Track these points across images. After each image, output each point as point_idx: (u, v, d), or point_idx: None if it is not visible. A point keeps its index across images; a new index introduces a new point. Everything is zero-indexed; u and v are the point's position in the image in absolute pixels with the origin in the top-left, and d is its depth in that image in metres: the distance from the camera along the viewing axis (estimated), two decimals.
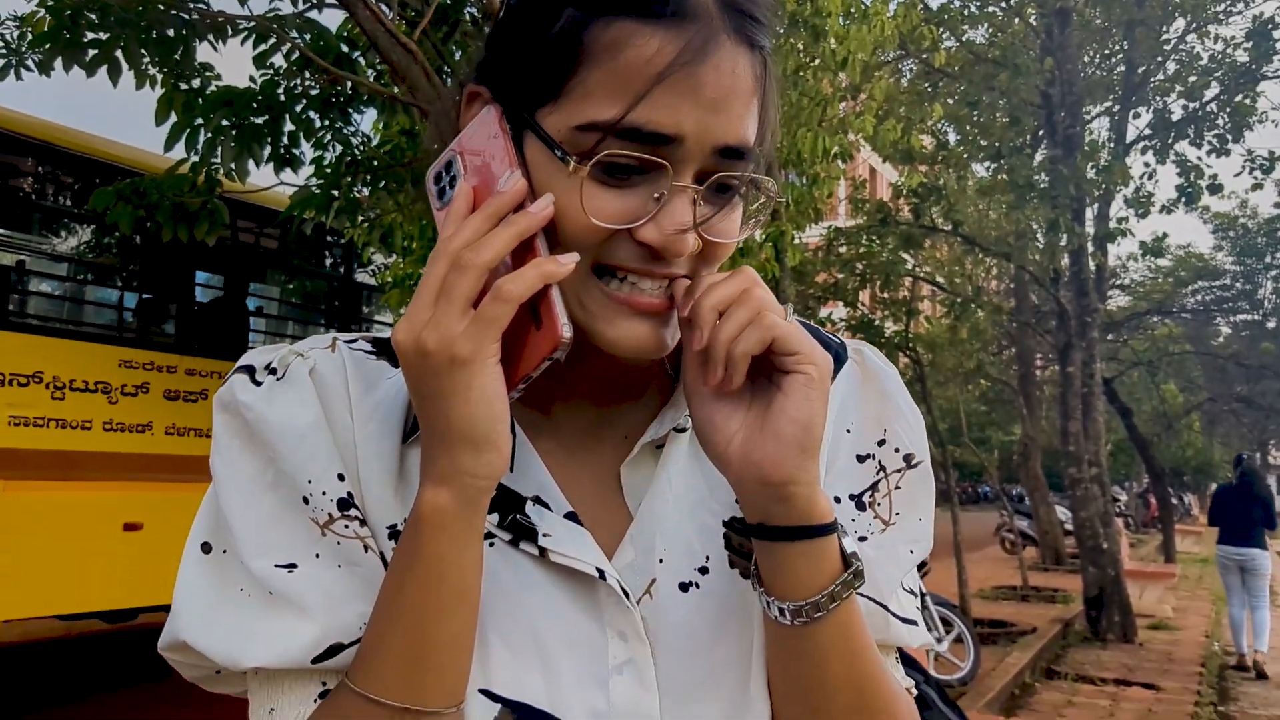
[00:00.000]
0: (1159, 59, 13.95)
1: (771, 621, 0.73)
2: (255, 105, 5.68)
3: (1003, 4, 12.72)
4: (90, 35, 5.35)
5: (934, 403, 11.98)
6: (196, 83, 5.73)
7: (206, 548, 0.75)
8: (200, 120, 5.56)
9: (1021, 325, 15.86)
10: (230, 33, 5.65)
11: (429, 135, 4.58)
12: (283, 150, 5.84)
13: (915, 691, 0.89)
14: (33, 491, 6.32)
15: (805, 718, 0.76)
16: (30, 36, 5.75)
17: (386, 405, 0.77)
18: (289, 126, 5.86)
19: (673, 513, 0.79)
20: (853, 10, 6.34)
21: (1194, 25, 13.87)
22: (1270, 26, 12.84)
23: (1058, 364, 12.75)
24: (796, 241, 6.62)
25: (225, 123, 5.58)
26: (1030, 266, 12.58)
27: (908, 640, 0.85)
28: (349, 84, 5.80)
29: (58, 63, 5.40)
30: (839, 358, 0.87)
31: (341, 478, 0.74)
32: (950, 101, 12.89)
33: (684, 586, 0.78)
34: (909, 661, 0.97)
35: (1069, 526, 15.98)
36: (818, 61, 6.20)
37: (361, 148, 6.33)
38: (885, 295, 12.30)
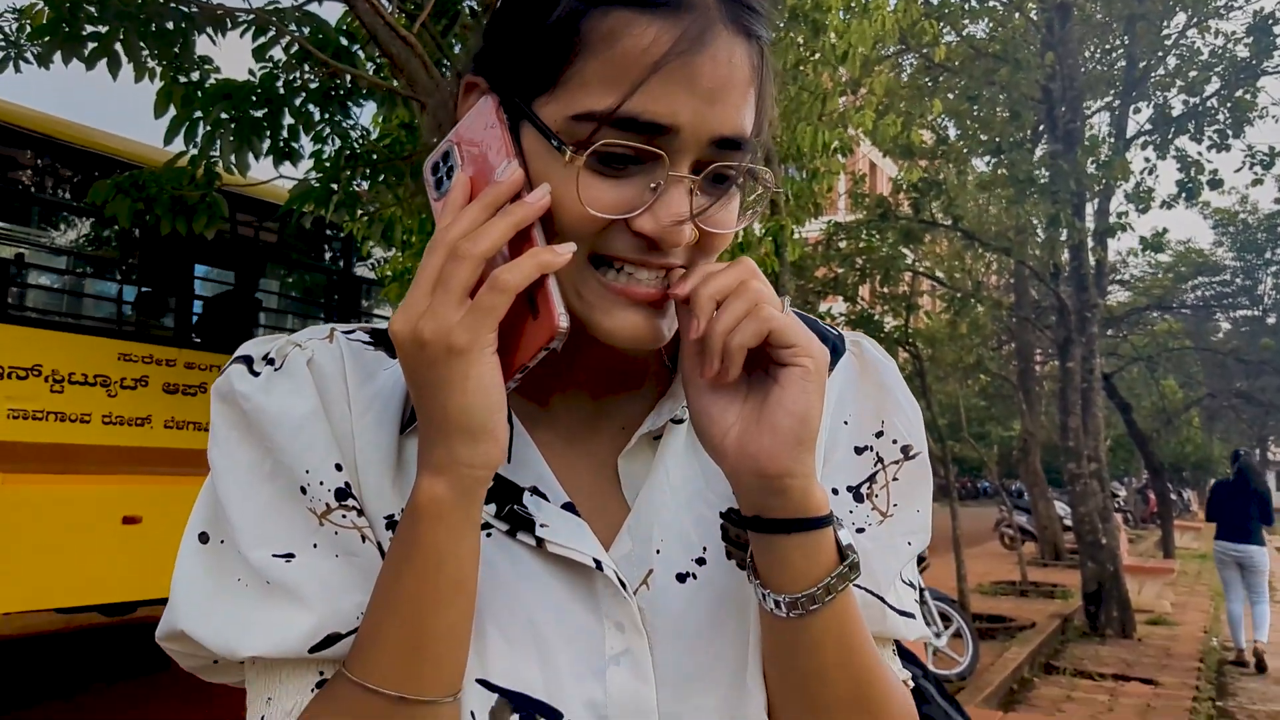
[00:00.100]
0: (1160, 54, 13.95)
1: (767, 614, 0.73)
2: (254, 98, 5.67)
3: None
4: (89, 28, 5.34)
5: (933, 398, 11.98)
6: (195, 76, 5.72)
7: (204, 538, 0.75)
8: (199, 113, 5.55)
9: (1021, 320, 15.86)
10: (229, 26, 5.64)
11: (427, 127, 4.58)
12: (282, 144, 5.84)
13: (912, 684, 0.89)
14: (32, 485, 6.32)
15: (801, 709, 0.76)
16: (29, 29, 5.74)
17: (384, 396, 0.77)
18: (288, 120, 5.85)
19: (670, 504, 0.79)
20: (853, 4, 6.32)
21: (1195, 20, 13.87)
22: (1271, 22, 12.83)
23: (1057, 359, 12.76)
24: (796, 236, 6.61)
25: (224, 116, 5.57)
26: (1030, 262, 12.57)
27: (904, 633, 0.85)
28: (348, 77, 5.79)
29: (57, 55, 5.40)
30: (836, 350, 0.87)
31: (339, 468, 0.74)
32: (950, 96, 12.88)
33: (681, 577, 0.78)
34: (907, 655, 0.97)
35: (1068, 522, 15.98)
36: (818, 56, 6.19)
37: (361, 141, 6.32)
38: (885, 290, 12.30)
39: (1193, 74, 13.75)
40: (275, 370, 0.76)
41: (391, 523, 0.75)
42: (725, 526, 0.79)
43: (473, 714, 0.72)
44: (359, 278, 9.49)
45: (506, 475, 0.76)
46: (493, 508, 0.75)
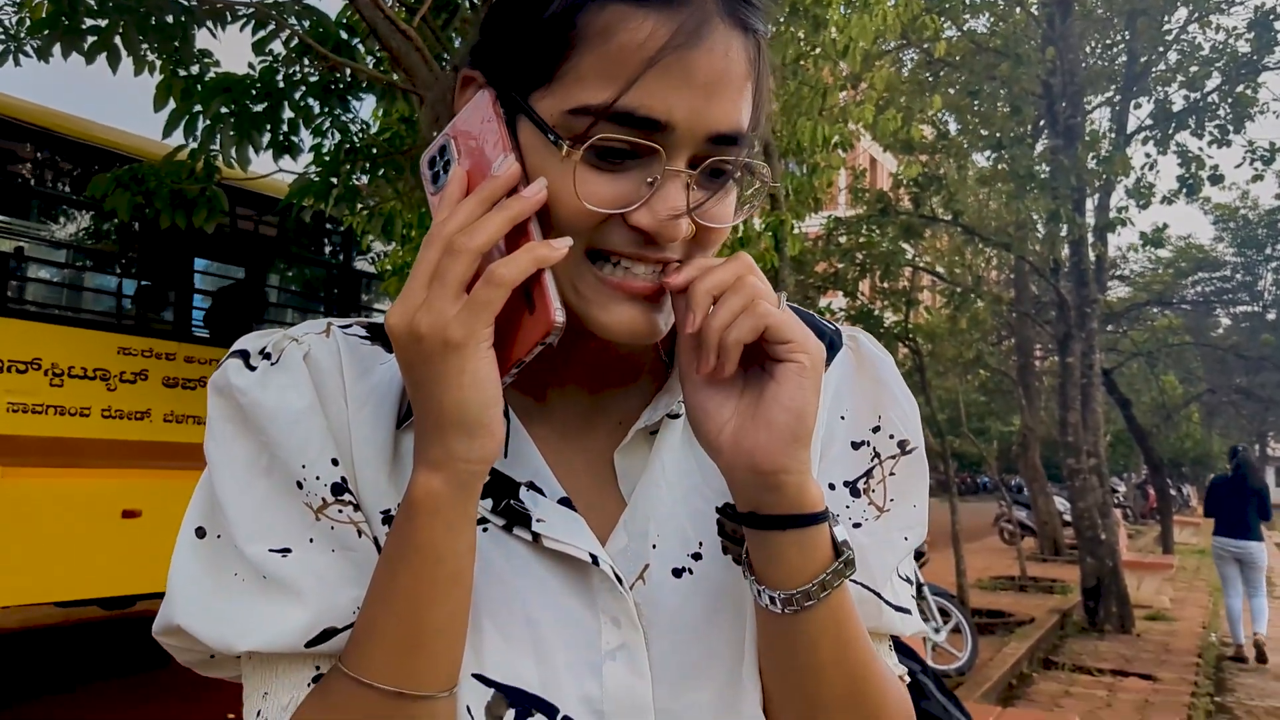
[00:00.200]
0: (1160, 49, 13.94)
1: (762, 609, 0.73)
2: (254, 92, 5.67)
3: None
4: (89, 21, 5.34)
5: (933, 393, 11.98)
6: (195, 69, 5.71)
7: (201, 532, 0.75)
8: (199, 107, 5.55)
9: (1021, 316, 15.85)
10: (229, 19, 5.64)
11: (425, 121, 4.58)
12: (281, 137, 5.83)
13: (909, 679, 0.89)
14: (31, 478, 6.33)
15: (797, 705, 0.76)
16: (29, 22, 5.74)
17: (381, 390, 0.77)
18: (288, 113, 5.84)
19: (666, 498, 0.79)
20: None
21: (1195, 15, 13.86)
22: (1272, 17, 12.82)
23: (1057, 355, 12.76)
24: (796, 231, 6.60)
25: (224, 109, 5.57)
26: (1030, 257, 12.57)
27: (901, 628, 0.85)
28: (348, 71, 5.78)
29: (56, 49, 5.39)
30: (834, 345, 0.86)
31: (335, 463, 0.74)
32: (951, 91, 12.88)
33: (677, 572, 0.78)
34: (906, 651, 0.97)
35: (1067, 517, 15.99)
36: (818, 50, 6.19)
37: (360, 135, 6.32)
38: (885, 285, 12.29)
39: (1194, 69, 13.75)
40: (272, 365, 0.76)
41: (388, 517, 0.75)
42: (722, 521, 0.79)
43: (469, 709, 0.72)
44: (359, 272, 9.49)
45: (503, 470, 0.76)
46: (489, 503, 0.75)
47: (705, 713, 0.76)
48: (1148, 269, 26.31)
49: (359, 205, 6.36)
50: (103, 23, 5.34)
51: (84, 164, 7.12)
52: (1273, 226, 25.39)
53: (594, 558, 0.74)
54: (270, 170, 6.06)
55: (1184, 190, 13.46)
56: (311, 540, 0.73)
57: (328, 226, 8.91)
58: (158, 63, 5.62)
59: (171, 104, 5.57)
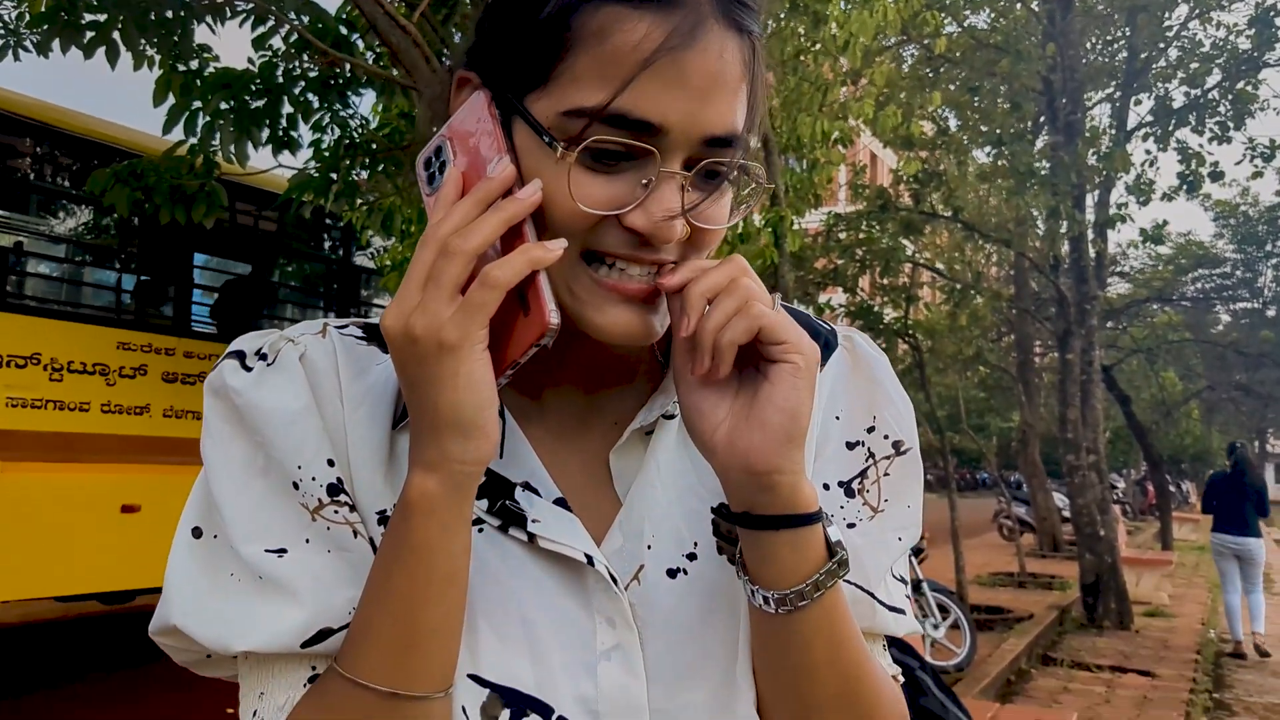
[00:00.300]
0: (1161, 45, 13.92)
1: (756, 610, 0.73)
2: (253, 87, 5.66)
3: None
4: (88, 16, 5.33)
5: (933, 389, 11.97)
6: (194, 64, 5.70)
7: (197, 532, 0.75)
8: (198, 102, 5.55)
9: (1021, 312, 15.84)
10: (228, 14, 5.63)
11: (423, 118, 4.58)
12: (281, 133, 5.83)
13: (902, 679, 0.89)
14: (31, 473, 6.33)
15: (791, 705, 0.76)
16: (28, 17, 5.73)
17: (377, 391, 0.77)
18: (287, 109, 5.84)
19: (661, 499, 0.79)
20: None
21: (1196, 12, 13.83)
22: (1272, 14, 12.78)
23: (1057, 351, 12.74)
24: (796, 227, 6.61)
25: (223, 105, 5.57)
26: (1030, 253, 12.57)
27: (894, 629, 0.85)
28: (347, 66, 5.78)
29: (55, 44, 5.38)
30: (829, 345, 0.87)
31: (331, 463, 0.75)
32: (951, 87, 12.86)
33: (672, 573, 0.78)
34: (904, 647, 0.97)
35: (1067, 513, 15.99)
36: (818, 46, 6.18)
37: (360, 130, 6.31)
38: (885, 281, 12.29)
39: (1194, 66, 13.72)
40: (268, 365, 0.76)
41: (383, 518, 0.75)
42: (717, 522, 0.79)
43: (464, 709, 0.72)
44: (358, 267, 9.48)
45: (498, 470, 0.77)
46: (484, 503, 0.76)
47: (700, 713, 0.76)
48: (1148, 265, 26.29)
49: (358, 200, 6.36)
50: (102, 17, 5.33)
51: (83, 159, 7.11)
52: (1273, 223, 25.36)
53: (589, 558, 0.75)
54: (270, 165, 6.06)
55: (1184, 187, 13.44)
56: (307, 541, 0.73)
57: (327, 222, 8.92)
58: (157, 58, 5.62)
59: (171, 99, 5.56)
